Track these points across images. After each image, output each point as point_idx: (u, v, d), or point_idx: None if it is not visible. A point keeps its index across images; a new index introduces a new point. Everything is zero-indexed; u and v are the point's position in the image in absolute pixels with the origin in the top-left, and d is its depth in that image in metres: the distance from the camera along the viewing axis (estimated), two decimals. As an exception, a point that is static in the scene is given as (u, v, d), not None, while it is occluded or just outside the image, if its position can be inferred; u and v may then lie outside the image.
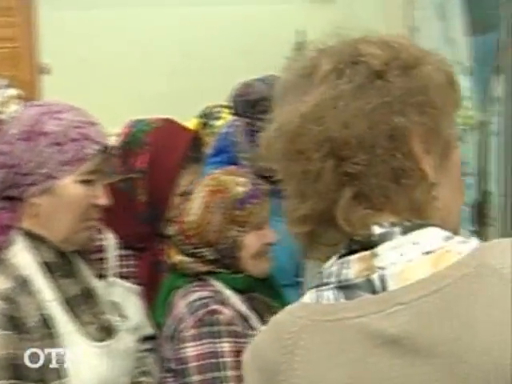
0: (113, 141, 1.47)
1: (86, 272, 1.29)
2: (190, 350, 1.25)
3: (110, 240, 1.41)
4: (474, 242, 0.68)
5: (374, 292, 0.68)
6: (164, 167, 1.53)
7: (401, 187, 0.69)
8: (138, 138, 1.58)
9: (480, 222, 2.32)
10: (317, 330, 0.70)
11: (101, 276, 1.33)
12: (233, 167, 1.62)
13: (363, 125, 0.68)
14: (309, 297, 0.74)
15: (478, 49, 2.86)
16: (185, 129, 1.73)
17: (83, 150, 1.16)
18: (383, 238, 0.69)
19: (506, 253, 0.64)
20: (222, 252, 1.38)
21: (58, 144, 1.15)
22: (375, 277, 0.68)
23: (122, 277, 1.45)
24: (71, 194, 1.18)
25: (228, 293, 1.38)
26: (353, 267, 0.69)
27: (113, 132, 1.53)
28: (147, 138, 1.57)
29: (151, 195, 1.54)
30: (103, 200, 1.23)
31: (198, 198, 1.40)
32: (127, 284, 1.45)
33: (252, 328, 1.32)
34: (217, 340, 1.25)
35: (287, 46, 4.06)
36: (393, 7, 3.42)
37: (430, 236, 0.68)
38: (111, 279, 1.38)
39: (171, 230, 1.50)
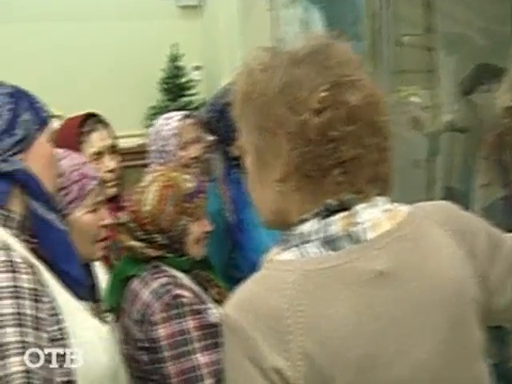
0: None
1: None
2: (162, 331, 1.43)
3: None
4: (404, 205, 0.93)
5: (356, 242, 0.85)
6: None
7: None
8: None
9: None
10: (313, 277, 0.82)
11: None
12: (172, 164, 1.81)
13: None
14: (289, 254, 0.86)
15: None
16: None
17: (85, 187, 1.40)
18: (353, 203, 0.87)
19: (432, 209, 0.94)
20: (171, 238, 1.56)
21: (63, 188, 1.36)
22: (358, 229, 0.85)
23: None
24: (82, 223, 1.39)
25: (179, 275, 1.54)
26: (336, 224, 0.85)
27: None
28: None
29: None
30: (108, 220, 1.46)
31: (151, 191, 1.57)
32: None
33: (202, 302, 1.47)
34: (182, 320, 1.43)
35: (162, 58, 4.22)
36: (259, 21, 3.61)
37: (383, 201, 0.89)
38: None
39: (124, 217, 1.60)
